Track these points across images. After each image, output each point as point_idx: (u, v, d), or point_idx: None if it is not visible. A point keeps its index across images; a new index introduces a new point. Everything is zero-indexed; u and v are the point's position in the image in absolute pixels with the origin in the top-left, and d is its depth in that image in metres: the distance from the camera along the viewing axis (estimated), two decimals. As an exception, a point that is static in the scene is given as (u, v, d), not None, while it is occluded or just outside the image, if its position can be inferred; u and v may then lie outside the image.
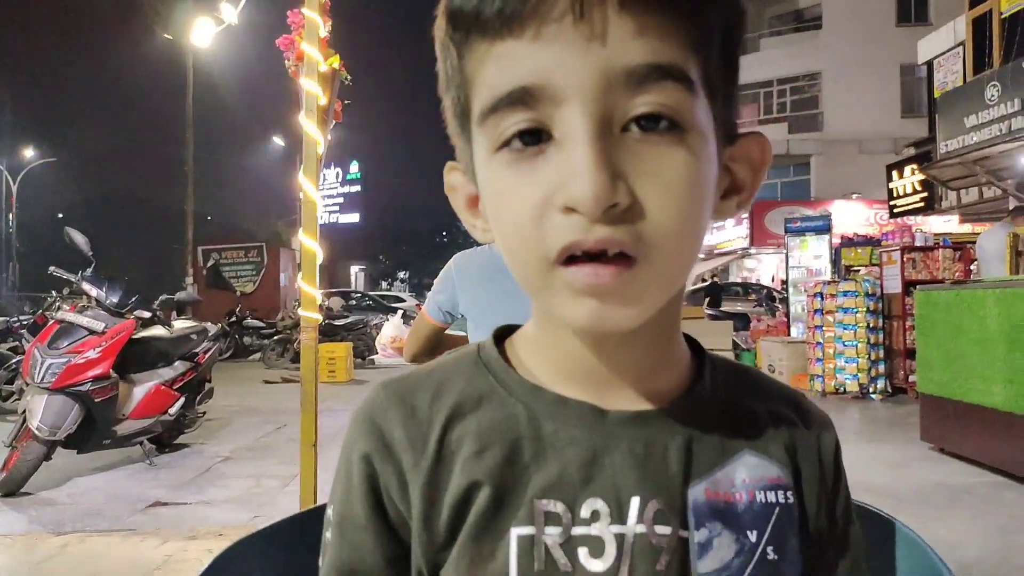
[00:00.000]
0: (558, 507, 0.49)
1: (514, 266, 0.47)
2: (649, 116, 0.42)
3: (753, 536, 0.50)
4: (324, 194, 27.66)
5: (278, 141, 34.83)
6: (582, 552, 0.48)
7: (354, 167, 39.57)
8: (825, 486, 0.55)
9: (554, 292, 0.45)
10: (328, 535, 0.55)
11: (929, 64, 12.05)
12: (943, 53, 11.69)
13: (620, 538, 0.48)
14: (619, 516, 0.49)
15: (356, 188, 39.84)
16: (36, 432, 4.22)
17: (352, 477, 0.54)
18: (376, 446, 0.53)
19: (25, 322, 8.47)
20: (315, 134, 3.62)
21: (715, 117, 0.46)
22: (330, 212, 36.25)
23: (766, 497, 0.51)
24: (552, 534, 0.48)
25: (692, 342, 0.57)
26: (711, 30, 0.45)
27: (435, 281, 2.41)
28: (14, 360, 7.15)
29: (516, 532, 0.49)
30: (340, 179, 38.99)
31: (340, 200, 38.83)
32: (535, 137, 0.44)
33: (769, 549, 0.50)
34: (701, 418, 0.52)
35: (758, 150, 0.51)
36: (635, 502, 0.49)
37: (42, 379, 4.36)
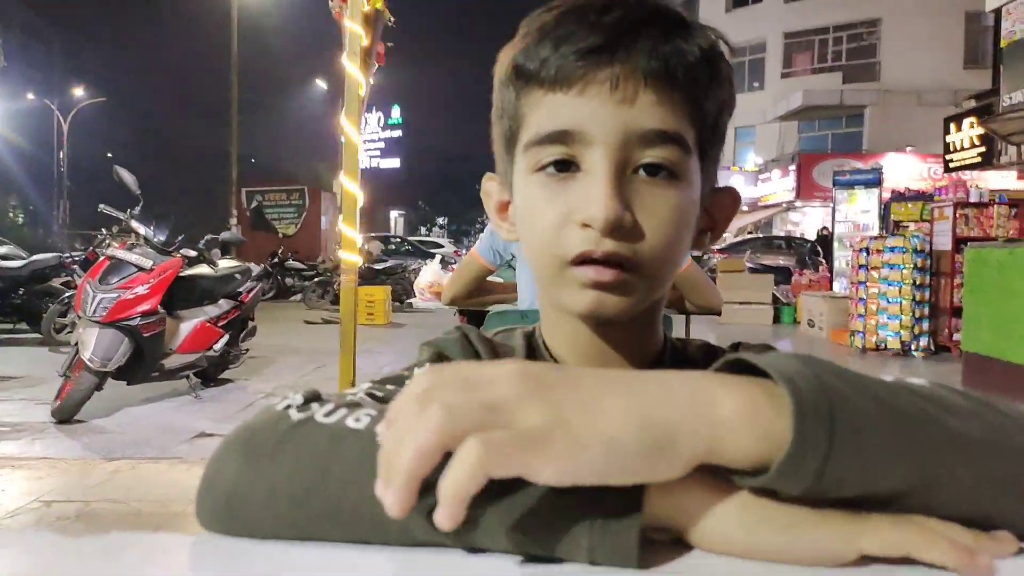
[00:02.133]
0: None
1: (536, 262, 0.61)
2: (654, 165, 0.57)
3: None
4: (365, 139, 27.69)
5: (321, 84, 34.79)
6: None
7: (396, 112, 39.41)
8: None
9: (565, 285, 0.59)
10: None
11: (997, 12, 11.38)
12: (1012, 0, 11.05)
13: None
14: None
15: (398, 133, 39.76)
16: (88, 363, 4.39)
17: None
18: (465, 351, 0.66)
19: (77, 258, 8.74)
20: (357, 76, 3.60)
21: (702, 171, 0.61)
22: (371, 157, 36.30)
23: None
24: None
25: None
26: (707, 112, 0.59)
27: (489, 224, 2.43)
28: (67, 294, 7.40)
29: None
30: (382, 124, 38.90)
31: (381, 145, 38.81)
32: (566, 166, 0.58)
33: None
34: None
35: (730, 201, 0.67)
36: None
37: (93, 313, 4.51)
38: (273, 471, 0.43)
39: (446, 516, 0.33)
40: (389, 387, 0.57)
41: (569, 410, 0.36)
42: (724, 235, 0.68)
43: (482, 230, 4.81)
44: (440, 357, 0.65)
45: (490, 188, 0.70)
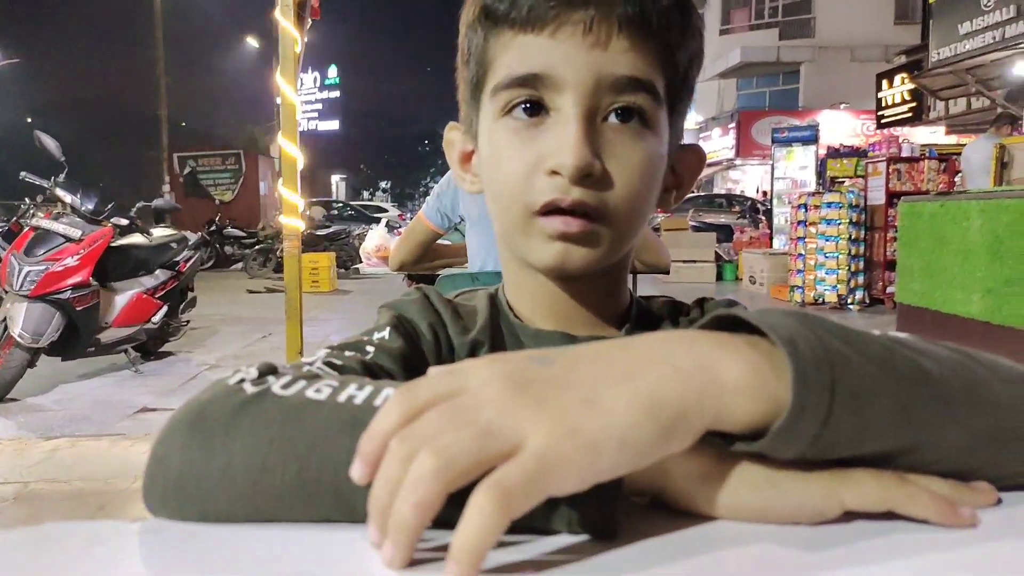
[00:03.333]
0: None
1: (501, 213, 0.60)
2: (626, 110, 0.56)
3: None
4: (302, 100, 26.89)
5: (253, 43, 33.53)
6: None
7: (332, 72, 38.31)
8: None
9: (531, 237, 0.58)
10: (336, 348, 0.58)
11: (926, -33, 11.68)
12: (942, -45, 11.29)
13: None
14: None
15: (335, 94, 38.70)
16: (18, 339, 4.21)
17: (397, 315, 0.63)
18: (426, 311, 0.64)
19: (0, 230, 8.32)
20: (292, 31, 3.47)
21: (670, 125, 0.60)
22: (308, 119, 35.32)
23: None
24: None
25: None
26: (678, 62, 0.58)
27: (435, 187, 2.40)
28: (-9, 268, 7.04)
29: None
30: (318, 84, 37.82)
31: (319, 106, 37.77)
32: (535, 109, 0.56)
33: None
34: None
35: (695, 159, 0.67)
36: None
37: (21, 287, 4.32)
38: (227, 448, 0.39)
39: (460, 574, 0.29)
40: (348, 353, 0.55)
41: (574, 414, 0.33)
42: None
43: (427, 193, 4.75)
44: (400, 320, 0.62)
45: (453, 138, 0.68)
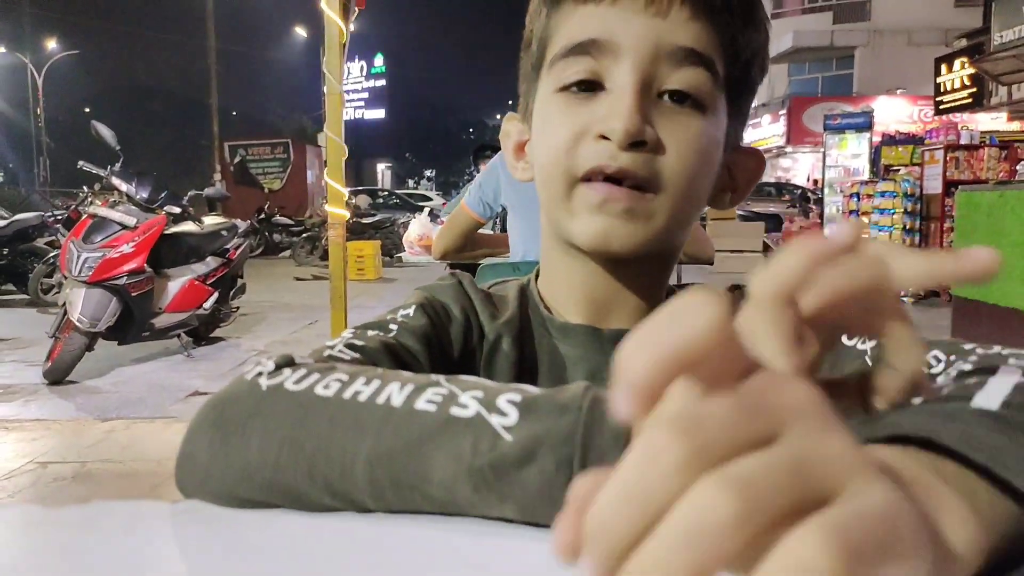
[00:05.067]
0: None
1: (544, 183, 0.58)
2: (681, 93, 0.54)
3: None
4: (348, 89, 27.16)
5: (302, 32, 33.98)
6: None
7: (379, 60, 38.62)
8: None
9: (573, 208, 0.55)
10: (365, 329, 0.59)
11: (990, -54, 11.20)
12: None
13: None
14: None
15: (381, 83, 39.04)
16: (77, 324, 4.36)
17: (431, 297, 0.63)
18: (459, 295, 0.63)
19: (60, 217, 8.61)
20: (337, 21, 3.50)
21: (729, 115, 0.57)
22: (355, 108, 35.71)
23: None
24: None
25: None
26: (739, 49, 0.56)
27: (478, 175, 2.41)
28: (52, 254, 7.31)
29: None
30: (365, 73, 38.15)
31: (365, 95, 38.15)
32: (589, 87, 0.55)
33: None
34: None
35: (754, 163, 0.63)
36: None
37: (79, 272, 4.46)
38: (244, 447, 0.43)
39: None
40: (370, 333, 0.56)
41: None
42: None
43: (471, 181, 4.76)
44: (429, 301, 0.62)
45: (510, 128, 0.67)
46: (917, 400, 0.30)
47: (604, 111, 0.53)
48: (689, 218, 0.57)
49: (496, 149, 4.91)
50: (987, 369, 0.39)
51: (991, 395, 0.32)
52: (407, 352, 0.56)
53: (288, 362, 0.46)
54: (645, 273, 0.59)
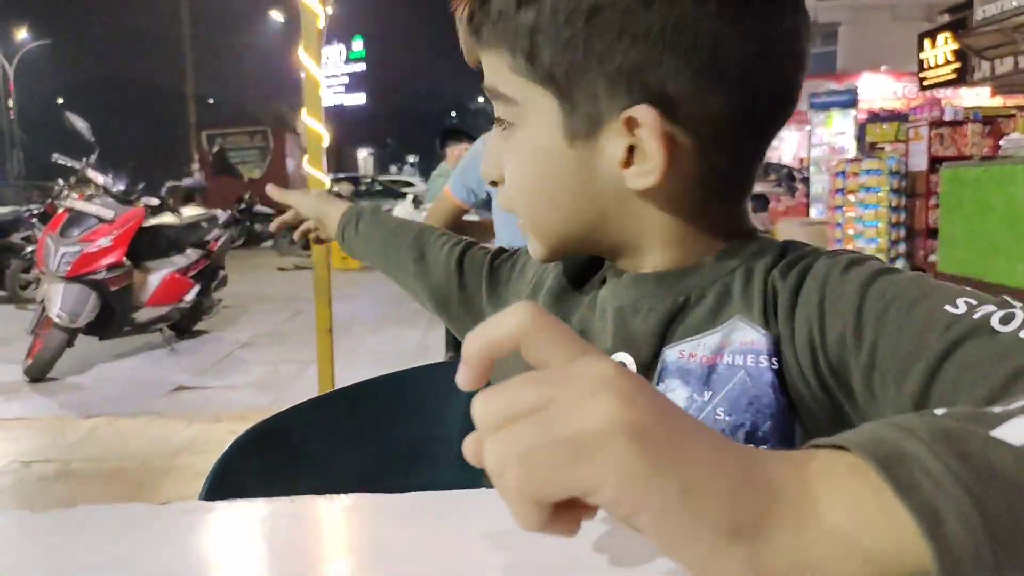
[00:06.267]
0: None
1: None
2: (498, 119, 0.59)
3: (706, 396, 0.53)
4: (327, 74, 26.84)
5: (278, 17, 33.51)
6: None
7: (357, 44, 38.15)
8: (817, 326, 0.51)
9: None
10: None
11: (971, -80, 11.17)
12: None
13: None
14: None
15: (361, 67, 38.58)
16: (56, 320, 4.28)
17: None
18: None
19: (35, 211, 8.46)
20: (314, 5, 3.41)
21: (561, 107, 0.54)
22: (334, 93, 35.31)
23: (733, 360, 0.53)
24: None
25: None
26: (517, 47, 0.54)
27: (461, 161, 2.36)
28: (29, 249, 7.18)
29: None
30: (343, 57, 37.71)
31: (344, 80, 37.70)
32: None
33: (720, 410, 0.53)
34: (700, 282, 0.57)
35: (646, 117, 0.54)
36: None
37: (57, 268, 4.38)
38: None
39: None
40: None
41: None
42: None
43: (437, 168, 4.70)
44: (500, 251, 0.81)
45: None
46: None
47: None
48: (541, 217, 0.60)
49: (464, 133, 4.83)
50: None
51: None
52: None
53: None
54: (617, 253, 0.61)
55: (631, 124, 0.52)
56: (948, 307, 0.43)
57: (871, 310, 0.48)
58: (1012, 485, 0.26)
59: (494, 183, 0.60)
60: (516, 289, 0.74)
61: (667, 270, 0.59)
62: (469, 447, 0.31)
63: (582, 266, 0.66)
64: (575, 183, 0.56)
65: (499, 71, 0.56)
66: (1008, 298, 0.44)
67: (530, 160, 0.58)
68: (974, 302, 0.43)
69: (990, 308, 0.42)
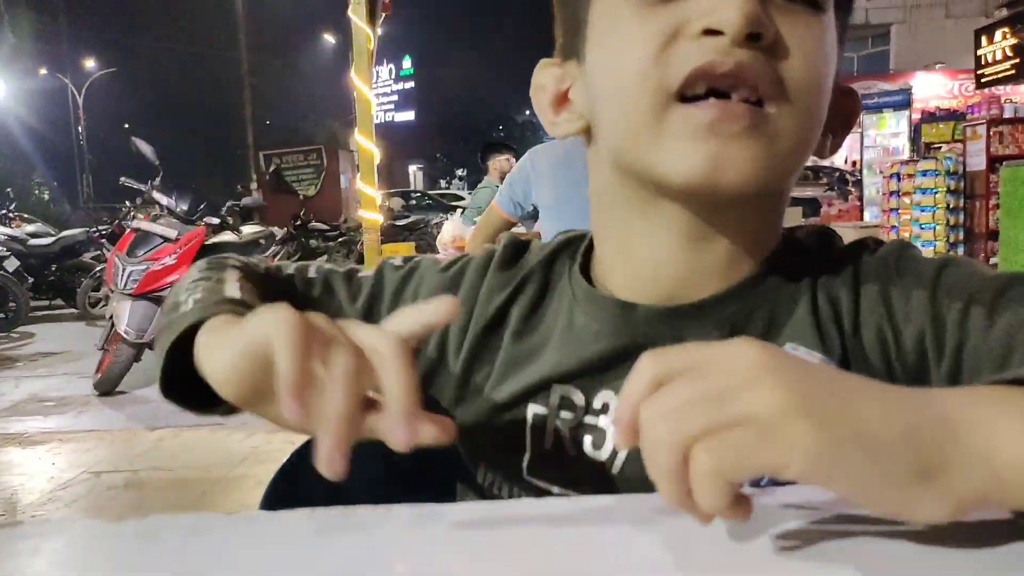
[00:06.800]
0: (575, 395, 0.51)
1: (620, 111, 0.44)
2: None
3: None
4: (378, 92, 27.31)
5: (330, 39, 34.34)
6: (586, 440, 0.51)
7: (407, 62, 38.85)
8: (891, 335, 0.47)
9: (665, 137, 0.42)
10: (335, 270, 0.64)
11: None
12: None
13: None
14: None
15: (410, 84, 39.28)
16: (124, 336, 4.48)
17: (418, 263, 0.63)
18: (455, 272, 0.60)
19: (104, 232, 8.85)
20: (365, 28, 3.53)
21: (837, 31, 0.46)
22: (384, 110, 35.98)
23: None
24: (565, 418, 0.51)
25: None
26: None
27: (508, 175, 2.43)
28: (98, 268, 7.51)
29: (532, 409, 0.52)
30: (393, 76, 38.41)
31: (394, 98, 38.41)
32: None
33: None
34: (744, 309, 0.48)
35: (851, 104, 0.51)
36: None
37: (125, 286, 4.59)
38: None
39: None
40: (348, 267, 0.63)
41: (850, 429, 0.29)
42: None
43: (481, 181, 4.76)
44: (406, 276, 0.62)
45: (544, 79, 0.53)
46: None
47: (702, 4, 0.40)
48: (811, 146, 0.46)
49: (504, 145, 4.87)
50: None
51: None
52: (344, 286, 0.61)
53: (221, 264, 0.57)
54: (753, 222, 0.48)
55: None
56: None
57: (948, 313, 0.44)
58: None
59: (754, 38, 0.40)
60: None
61: (711, 295, 0.48)
62: (625, 419, 0.32)
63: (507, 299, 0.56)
64: (826, 110, 0.47)
65: None
66: None
67: (832, 59, 0.46)
68: None
69: None
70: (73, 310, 7.87)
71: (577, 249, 0.56)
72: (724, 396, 0.29)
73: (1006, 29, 11.69)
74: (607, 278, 0.53)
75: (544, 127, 0.55)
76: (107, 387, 4.50)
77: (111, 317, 4.63)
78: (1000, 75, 12.17)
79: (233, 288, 0.51)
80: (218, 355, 0.43)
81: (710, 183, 0.41)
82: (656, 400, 0.31)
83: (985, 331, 0.42)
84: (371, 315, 0.59)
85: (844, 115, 0.51)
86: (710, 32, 0.39)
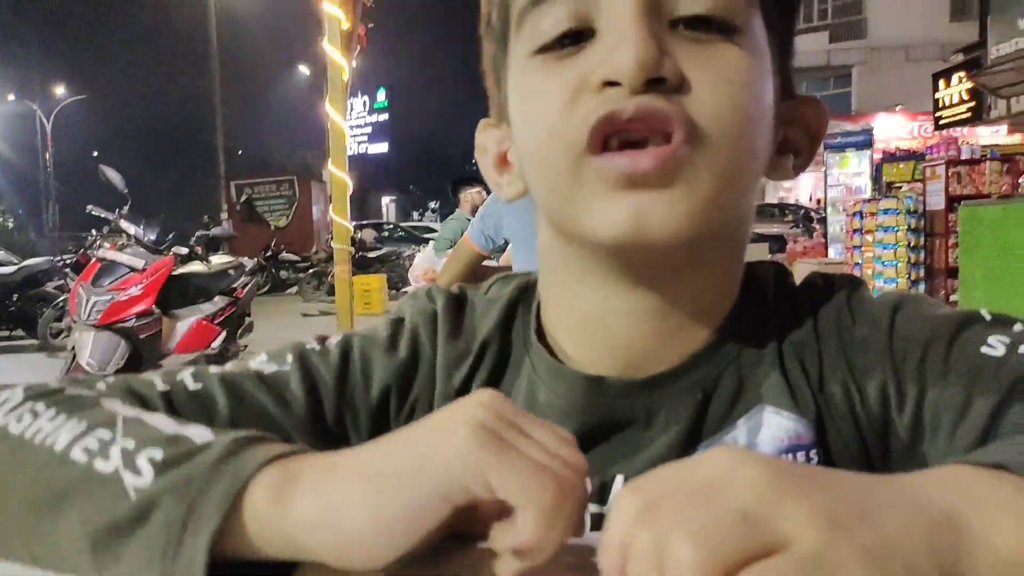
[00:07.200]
0: None
1: (538, 169, 0.43)
2: (699, 18, 0.39)
3: None
4: (351, 124, 27.45)
5: (304, 70, 34.47)
6: None
7: (381, 95, 39.10)
8: (854, 387, 0.45)
9: (584, 193, 0.40)
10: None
11: (981, -38, 11.33)
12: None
13: (598, 518, 0.44)
14: (599, 496, 0.45)
15: (384, 117, 39.47)
16: (86, 367, 4.39)
17: (377, 331, 0.53)
18: (423, 326, 0.52)
19: (69, 261, 8.71)
20: (340, 61, 3.56)
21: (770, 43, 0.43)
22: (358, 142, 36.05)
23: None
24: None
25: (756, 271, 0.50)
26: None
27: (480, 208, 2.45)
28: (61, 298, 7.37)
29: None
30: (367, 108, 38.61)
31: (368, 130, 38.54)
32: (576, 38, 0.40)
33: None
34: (713, 371, 0.45)
35: (814, 115, 0.48)
36: (619, 481, 0.46)
37: (88, 316, 4.50)
38: None
39: None
40: (263, 360, 0.49)
41: (846, 515, 0.25)
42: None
43: (452, 214, 4.81)
44: (366, 340, 0.52)
45: (485, 140, 0.51)
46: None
47: (602, 53, 0.39)
48: (749, 183, 0.43)
49: (475, 179, 4.95)
50: None
51: None
52: (285, 390, 0.47)
53: (29, 387, 0.41)
54: (703, 274, 0.44)
55: None
56: (985, 349, 0.41)
57: (906, 363, 0.43)
58: None
59: (655, 81, 0.38)
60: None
61: (680, 361, 0.45)
62: (605, 561, 0.27)
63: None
64: (765, 132, 0.43)
65: None
66: None
67: (760, 81, 0.42)
68: (1007, 340, 0.41)
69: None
70: (34, 341, 7.69)
71: (530, 306, 0.51)
72: (747, 519, 0.25)
73: (962, 73, 12.15)
74: (563, 343, 0.48)
75: (491, 189, 0.53)
76: (67, 420, 4.39)
77: (73, 348, 4.54)
78: (957, 117, 12.61)
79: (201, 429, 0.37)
80: (367, 504, 0.32)
81: (637, 237, 0.39)
82: (653, 534, 0.25)
83: (943, 378, 0.42)
84: (317, 421, 0.48)
85: (810, 128, 0.48)
86: (610, 83, 0.38)
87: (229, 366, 0.48)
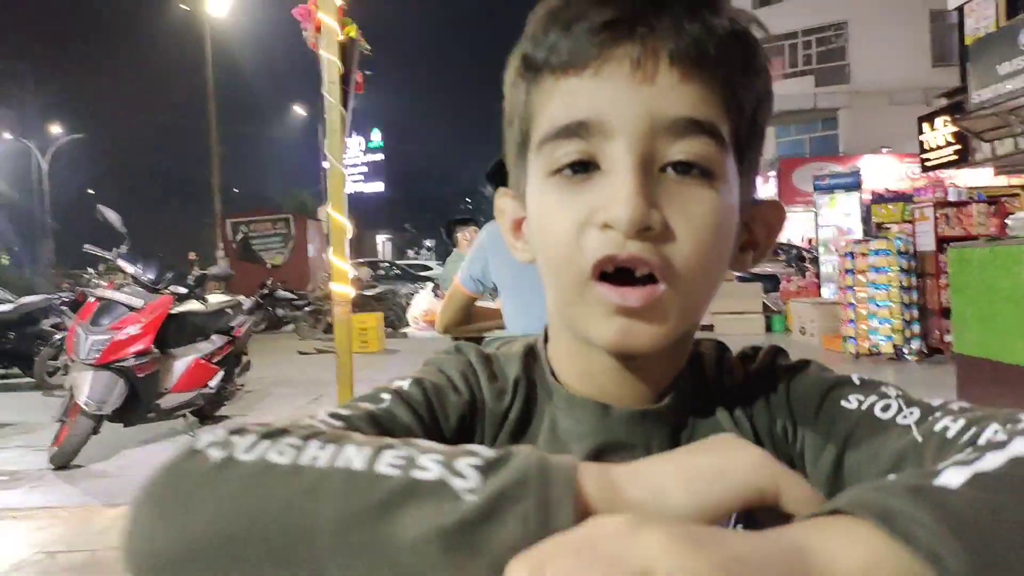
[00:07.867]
0: None
1: (554, 282, 0.54)
2: (684, 163, 0.50)
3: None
4: (347, 164, 27.62)
5: (300, 110, 34.85)
6: None
7: (376, 135, 39.54)
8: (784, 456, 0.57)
9: (587, 308, 0.51)
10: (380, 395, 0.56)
11: (960, 9, 11.59)
12: (975, -1, 11.26)
13: None
14: None
15: (379, 156, 39.86)
16: (84, 407, 4.37)
17: (441, 372, 0.60)
18: (461, 364, 0.61)
19: (66, 299, 8.69)
20: (338, 107, 3.63)
21: (740, 174, 0.53)
22: (354, 181, 36.32)
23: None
24: None
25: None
26: (743, 103, 0.52)
27: (468, 253, 2.49)
28: (58, 337, 7.36)
29: None
30: (363, 148, 38.99)
31: (364, 169, 38.87)
32: (584, 167, 0.51)
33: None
34: (682, 411, 0.58)
35: (774, 214, 0.59)
36: None
37: (87, 356, 4.50)
38: (192, 521, 0.38)
39: None
40: (360, 403, 0.54)
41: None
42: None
43: (450, 254, 4.87)
44: (430, 375, 0.59)
45: (504, 206, 0.62)
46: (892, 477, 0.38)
47: (604, 195, 0.49)
48: (709, 295, 0.54)
49: (468, 220, 5.03)
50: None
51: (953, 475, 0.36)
52: (395, 423, 0.53)
53: (239, 430, 0.43)
54: (666, 357, 0.57)
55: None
56: (844, 403, 0.54)
57: (798, 408, 0.57)
58: (974, 520, 0.33)
59: (646, 228, 0.48)
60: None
61: (657, 405, 0.58)
62: None
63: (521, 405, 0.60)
64: (727, 254, 0.55)
65: (713, 109, 0.50)
66: (888, 386, 0.55)
67: (726, 218, 0.52)
68: (862, 398, 0.54)
69: (872, 399, 0.53)
70: (30, 379, 7.65)
71: (539, 358, 0.62)
72: (596, 543, 0.32)
73: (946, 117, 12.39)
74: (572, 384, 0.59)
75: (508, 246, 0.63)
76: (63, 460, 4.37)
77: (70, 387, 4.53)
78: (943, 159, 12.82)
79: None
80: (689, 491, 0.39)
81: (623, 348, 0.52)
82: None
83: (814, 423, 0.56)
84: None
85: (769, 226, 0.59)
86: (608, 226, 0.49)
87: (340, 409, 0.52)
